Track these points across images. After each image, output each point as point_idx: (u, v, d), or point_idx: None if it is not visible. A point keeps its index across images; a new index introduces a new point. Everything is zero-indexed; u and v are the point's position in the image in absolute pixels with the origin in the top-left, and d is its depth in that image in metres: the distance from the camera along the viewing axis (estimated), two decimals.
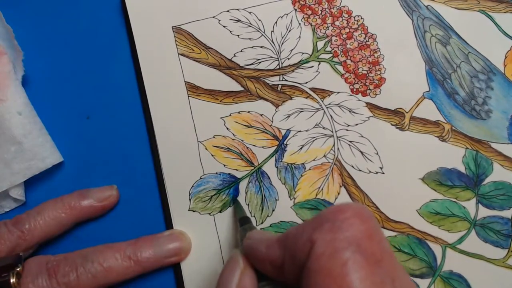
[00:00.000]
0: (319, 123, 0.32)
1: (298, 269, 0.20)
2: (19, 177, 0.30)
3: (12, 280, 0.26)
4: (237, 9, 0.34)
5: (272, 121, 0.33)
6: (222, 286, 0.23)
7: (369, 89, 0.33)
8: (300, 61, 0.33)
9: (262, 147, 0.32)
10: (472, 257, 0.31)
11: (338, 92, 0.33)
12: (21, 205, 0.31)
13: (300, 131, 0.32)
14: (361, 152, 0.32)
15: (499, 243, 0.31)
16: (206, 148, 0.32)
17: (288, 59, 0.33)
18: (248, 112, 0.33)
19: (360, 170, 0.32)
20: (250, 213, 0.31)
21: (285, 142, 0.32)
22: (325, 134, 0.32)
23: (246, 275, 0.23)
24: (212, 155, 0.32)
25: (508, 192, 0.31)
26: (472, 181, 0.32)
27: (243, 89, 0.33)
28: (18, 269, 0.27)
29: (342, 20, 0.34)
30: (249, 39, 0.33)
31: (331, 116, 0.33)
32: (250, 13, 0.34)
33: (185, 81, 0.33)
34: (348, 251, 0.19)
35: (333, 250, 0.19)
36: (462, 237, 0.31)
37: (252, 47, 0.33)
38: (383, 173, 0.32)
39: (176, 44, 0.33)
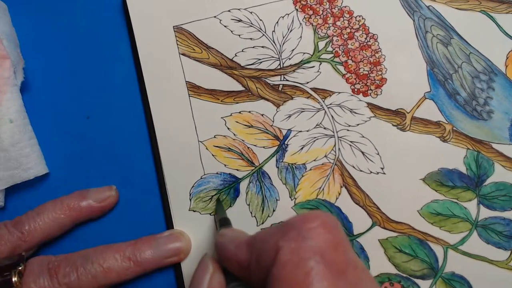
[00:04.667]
0: (320, 123, 0.32)
1: (263, 273, 0.20)
2: (1, 184, 0.30)
3: (14, 279, 0.26)
4: (238, 9, 0.34)
5: (273, 121, 0.32)
6: None
7: (370, 90, 0.33)
8: (301, 61, 0.33)
9: (263, 147, 0.32)
10: (474, 259, 0.31)
11: (339, 92, 0.33)
12: (0, 209, 0.31)
13: (301, 131, 0.32)
14: (362, 152, 0.32)
15: (501, 244, 0.31)
16: (207, 148, 0.32)
17: (289, 59, 0.33)
18: (249, 112, 0.33)
19: (361, 171, 0.32)
20: (251, 213, 0.31)
21: (286, 142, 0.32)
22: (326, 134, 0.32)
23: (214, 279, 0.24)
24: (212, 155, 0.32)
25: (510, 193, 0.31)
26: (473, 182, 0.32)
27: (244, 89, 0.33)
28: (20, 268, 0.27)
29: (344, 20, 0.34)
30: (250, 39, 0.33)
31: (332, 116, 0.32)
32: (251, 13, 0.34)
33: (186, 81, 0.33)
34: (312, 261, 0.19)
35: (297, 259, 0.19)
36: (463, 238, 0.31)
37: (253, 47, 0.33)
38: (384, 173, 0.32)
39: (177, 44, 0.33)
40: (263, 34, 0.33)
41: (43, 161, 0.31)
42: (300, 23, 0.34)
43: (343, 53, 0.33)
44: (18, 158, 0.30)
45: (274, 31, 0.33)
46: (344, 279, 0.19)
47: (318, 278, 0.18)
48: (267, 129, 0.32)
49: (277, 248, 0.20)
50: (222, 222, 0.29)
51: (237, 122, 0.32)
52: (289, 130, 0.32)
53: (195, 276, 0.25)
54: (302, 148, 0.32)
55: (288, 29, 0.33)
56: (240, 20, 0.34)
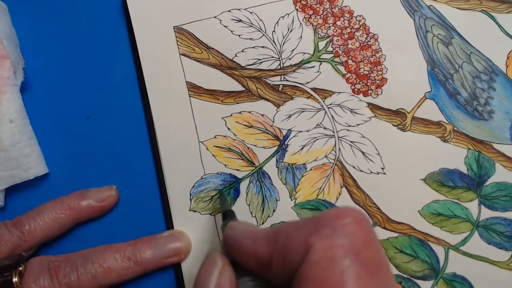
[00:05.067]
0: (320, 123, 0.32)
1: (288, 270, 0.19)
2: (1, 184, 0.30)
3: (15, 280, 0.26)
4: (238, 9, 0.34)
5: (273, 121, 0.32)
6: (199, 286, 0.22)
7: (371, 89, 0.33)
8: (301, 61, 0.33)
9: (263, 147, 0.32)
10: (475, 259, 0.31)
11: (340, 92, 0.33)
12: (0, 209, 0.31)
13: (301, 131, 0.32)
14: (363, 152, 0.32)
15: (502, 245, 0.31)
16: (207, 148, 0.32)
17: (289, 59, 0.33)
18: (249, 112, 0.32)
19: (361, 171, 0.32)
20: (251, 213, 0.31)
21: (286, 142, 0.32)
22: (326, 135, 0.32)
23: (224, 275, 0.22)
24: (213, 155, 0.32)
25: (511, 193, 0.31)
26: (474, 182, 0.31)
27: (244, 89, 0.33)
28: (20, 268, 0.27)
29: (344, 20, 0.34)
30: (250, 39, 0.33)
31: (332, 116, 0.32)
32: (251, 13, 0.34)
33: (186, 81, 0.33)
34: (347, 260, 0.18)
35: (330, 258, 0.18)
36: (465, 239, 0.31)
37: (253, 47, 0.33)
38: (384, 173, 0.32)
39: (178, 44, 0.33)
40: (263, 34, 0.33)
41: (43, 161, 0.31)
42: (300, 23, 0.34)
43: (343, 53, 0.33)
44: (18, 158, 0.30)
45: (274, 31, 0.33)
46: (378, 278, 0.18)
47: (353, 278, 0.17)
48: (267, 129, 0.32)
49: (307, 245, 0.19)
50: (228, 214, 0.28)
51: (237, 122, 0.32)
52: (289, 130, 0.32)
53: (201, 273, 0.23)
54: (302, 148, 0.32)
55: (288, 29, 0.33)
56: (240, 20, 0.34)
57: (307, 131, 0.32)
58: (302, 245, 0.19)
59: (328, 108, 0.33)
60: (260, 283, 0.22)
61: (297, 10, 0.34)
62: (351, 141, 0.32)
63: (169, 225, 0.31)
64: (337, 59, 0.33)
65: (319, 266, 0.18)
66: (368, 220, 0.20)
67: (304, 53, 0.33)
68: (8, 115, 0.30)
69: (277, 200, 0.31)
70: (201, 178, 0.32)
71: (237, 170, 0.32)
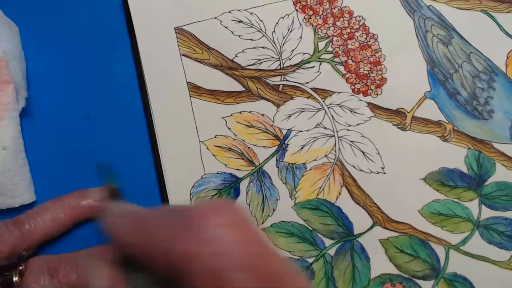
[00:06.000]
0: (320, 123, 0.32)
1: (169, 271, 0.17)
2: None
3: (15, 279, 0.26)
4: (239, 10, 0.34)
5: (273, 121, 0.32)
6: None
7: (371, 89, 0.33)
8: (301, 61, 0.33)
9: (263, 147, 0.32)
10: (476, 259, 0.31)
11: (339, 92, 0.33)
12: None
13: (301, 131, 0.32)
14: (363, 152, 0.32)
15: (503, 244, 0.31)
16: (207, 148, 0.32)
17: (290, 59, 0.33)
18: (250, 112, 0.33)
19: (362, 170, 0.32)
20: (251, 213, 0.31)
21: (286, 142, 0.32)
22: (326, 134, 0.32)
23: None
24: (213, 155, 0.32)
25: (511, 193, 0.31)
26: (474, 182, 0.31)
27: (244, 89, 0.33)
28: (20, 268, 0.27)
29: (344, 20, 0.34)
30: (251, 39, 0.33)
31: (332, 116, 0.32)
32: (251, 13, 0.34)
33: (187, 82, 0.33)
34: (233, 273, 0.16)
35: (217, 272, 0.16)
36: (465, 238, 0.31)
37: (253, 48, 0.33)
38: (384, 173, 0.32)
39: (178, 45, 0.33)
40: (263, 35, 0.34)
41: (31, 189, 0.31)
42: (300, 24, 0.34)
43: (343, 53, 0.33)
44: (6, 185, 0.29)
45: (274, 31, 0.34)
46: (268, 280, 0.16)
47: None
48: (267, 129, 0.32)
49: (187, 254, 0.16)
50: (111, 192, 0.26)
51: (237, 122, 0.32)
52: (289, 130, 0.32)
53: None
54: (302, 148, 0.32)
55: (288, 30, 0.34)
56: (240, 21, 0.34)
57: (307, 130, 0.32)
58: (180, 251, 0.17)
59: (328, 108, 0.33)
60: (151, 274, 0.19)
61: (297, 10, 0.34)
62: (351, 141, 0.32)
63: None
64: (337, 59, 0.33)
65: (208, 283, 0.16)
66: (242, 215, 0.18)
67: (304, 53, 0.33)
68: (2, 142, 0.29)
69: (277, 200, 0.31)
70: (202, 178, 0.32)
71: (237, 169, 0.32)
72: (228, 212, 0.17)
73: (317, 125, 0.32)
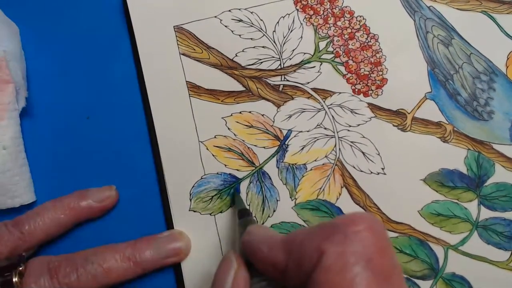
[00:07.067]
0: (321, 123, 0.32)
1: (303, 277, 0.19)
2: None
3: (15, 280, 0.26)
4: (239, 9, 0.34)
5: (274, 121, 0.32)
6: (216, 286, 0.23)
7: (371, 90, 0.33)
8: (301, 61, 0.33)
9: (263, 147, 0.32)
10: (475, 259, 0.31)
11: (340, 93, 0.33)
12: None
13: (301, 132, 0.32)
14: (363, 152, 0.32)
15: (501, 245, 0.31)
16: (207, 148, 0.32)
17: (290, 59, 0.33)
18: (250, 112, 0.32)
19: (362, 171, 0.32)
20: (251, 213, 0.31)
21: (286, 143, 0.32)
22: (327, 135, 0.32)
23: (239, 276, 0.23)
24: (213, 155, 0.32)
25: (510, 194, 0.31)
26: (474, 182, 0.32)
27: (244, 89, 0.33)
28: (20, 268, 0.27)
29: (344, 20, 0.34)
30: (251, 39, 0.33)
31: (332, 117, 0.32)
32: (252, 13, 0.34)
33: (186, 81, 0.33)
34: (358, 267, 0.18)
35: (342, 264, 0.18)
36: (464, 239, 0.31)
37: (253, 47, 0.33)
38: (384, 173, 0.32)
39: (178, 44, 0.33)
40: (264, 34, 0.33)
41: (31, 189, 0.31)
42: (301, 23, 0.34)
43: (343, 53, 0.33)
44: (6, 185, 0.29)
45: (274, 31, 0.33)
46: (389, 285, 0.18)
47: (363, 284, 0.18)
48: (267, 129, 0.32)
49: (320, 251, 0.19)
50: (242, 213, 0.28)
51: (237, 122, 0.32)
52: (290, 130, 0.32)
53: (219, 272, 0.23)
54: (302, 149, 0.32)
55: (289, 29, 0.33)
56: (240, 20, 0.34)
57: (308, 131, 0.32)
58: (315, 251, 0.19)
59: (329, 108, 0.33)
60: (272, 284, 0.23)
61: (297, 10, 0.34)
62: (351, 141, 0.32)
63: (169, 225, 0.31)
64: (337, 60, 0.33)
65: (330, 272, 0.18)
66: (381, 226, 0.20)
67: (305, 53, 0.33)
68: (2, 142, 0.29)
69: (277, 200, 0.31)
70: (201, 178, 0.32)
71: (237, 170, 0.32)
72: (365, 219, 0.20)
73: (317, 125, 0.32)
